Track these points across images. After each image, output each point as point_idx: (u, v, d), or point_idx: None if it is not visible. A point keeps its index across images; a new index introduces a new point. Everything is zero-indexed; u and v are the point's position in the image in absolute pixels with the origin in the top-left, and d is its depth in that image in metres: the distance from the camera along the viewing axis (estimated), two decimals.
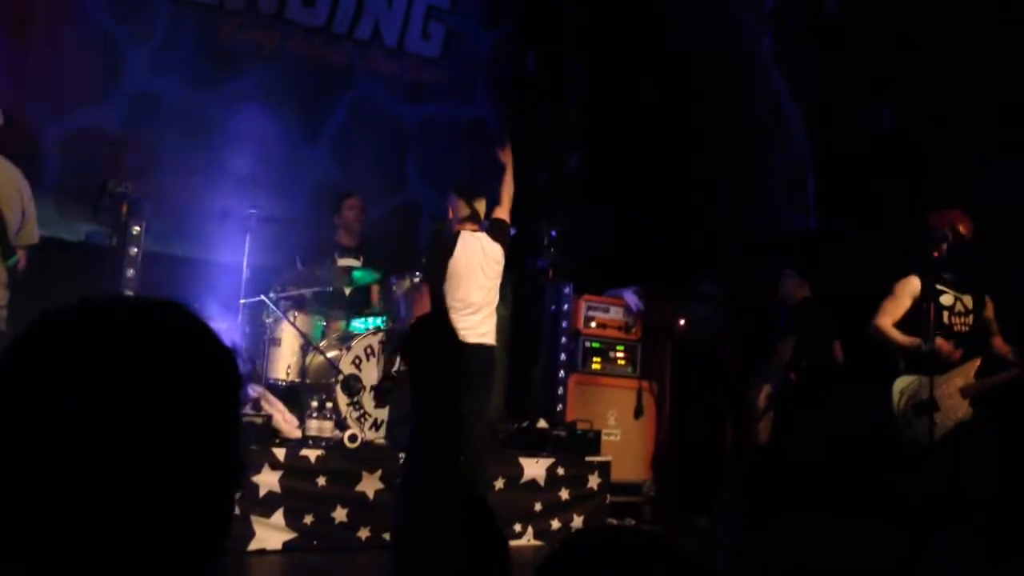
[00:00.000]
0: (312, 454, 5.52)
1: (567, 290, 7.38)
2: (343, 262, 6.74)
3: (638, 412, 7.42)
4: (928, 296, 4.68)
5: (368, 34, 8.14)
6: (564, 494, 6.30)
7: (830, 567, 4.83)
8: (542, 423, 6.82)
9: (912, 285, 4.81)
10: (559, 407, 7.21)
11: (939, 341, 4.61)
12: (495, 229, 5.38)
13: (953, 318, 4.78)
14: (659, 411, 7.53)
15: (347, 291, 6.69)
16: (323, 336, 6.59)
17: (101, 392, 0.89)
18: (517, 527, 6.04)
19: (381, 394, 5.77)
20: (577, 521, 6.30)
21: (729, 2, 7.97)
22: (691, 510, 7.04)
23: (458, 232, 5.31)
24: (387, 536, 5.39)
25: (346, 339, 6.40)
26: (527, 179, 7.40)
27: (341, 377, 6.09)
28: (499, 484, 5.93)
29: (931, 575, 4.38)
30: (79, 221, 6.66)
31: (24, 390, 0.90)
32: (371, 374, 6.16)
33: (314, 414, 5.85)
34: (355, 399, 6.16)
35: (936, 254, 4.75)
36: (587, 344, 7.41)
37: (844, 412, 5.87)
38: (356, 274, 6.60)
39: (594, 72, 8.50)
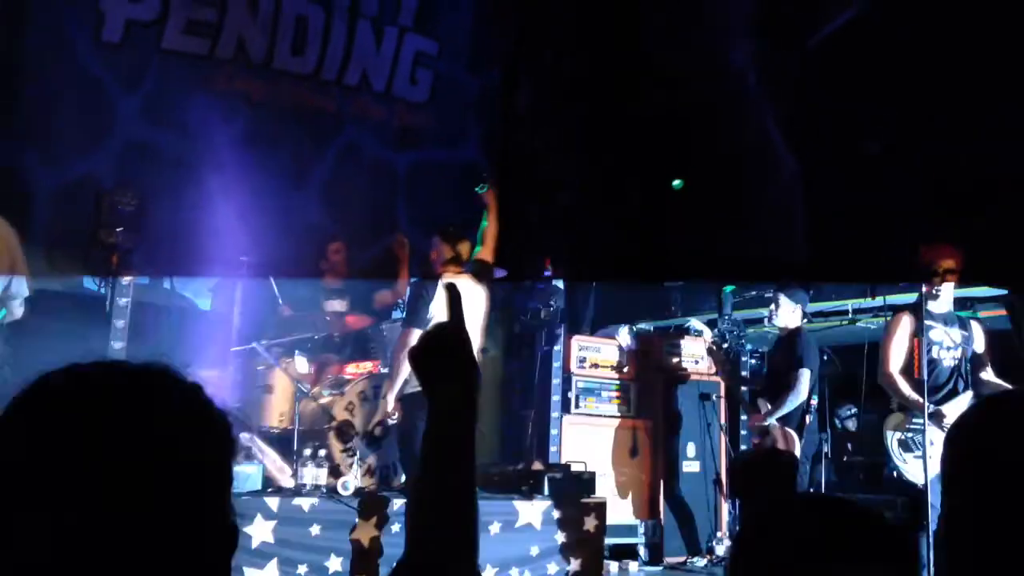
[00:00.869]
0: (306, 503, 5.46)
1: (559, 330, 7.37)
2: (330, 306, 6.75)
3: (633, 452, 7.38)
4: (919, 331, 4.70)
5: (356, 80, 8.21)
6: (560, 537, 6.24)
7: None
8: (537, 465, 6.77)
9: (905, 322, 4.83)
10: (553, 448, 7.17)
11: (944, 408, 4.63)
12: (478, 271, 5.37)
13: (943, 352, 4.80)
14: (654, 450, 7.49)
15: (337, 336, 6.69)
16: (315, 382, 6.57)
17: (94, 463, 0.89)
18: (513, 571, 5.98)
19: (372, 439, 5.75)
20: (574, 564, 6.23)
21: (716, 40, 8.05)
22: (690, 551, 6.99)
23: (439, 275, 5.30)
24: None
25: (339, 385, 6.38)
26: (517, 218, 7.46)
27: (334, 423, 6.05)
28: (494, 528, 5.88)
29: None
30: (69, 271, 6.66)
31: (17, 460, 0.90)
32: (365, 419, 6.13)
33: (307, 462, 5.80)
34: (349, 445, 6.12)
35: (926, 288, 4.77)
36: (580, 384, 7.39)
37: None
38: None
39: (582, 109, 8.56)
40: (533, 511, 6.18)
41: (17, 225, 5.56)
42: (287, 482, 5.74)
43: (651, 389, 7.57)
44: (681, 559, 7.18)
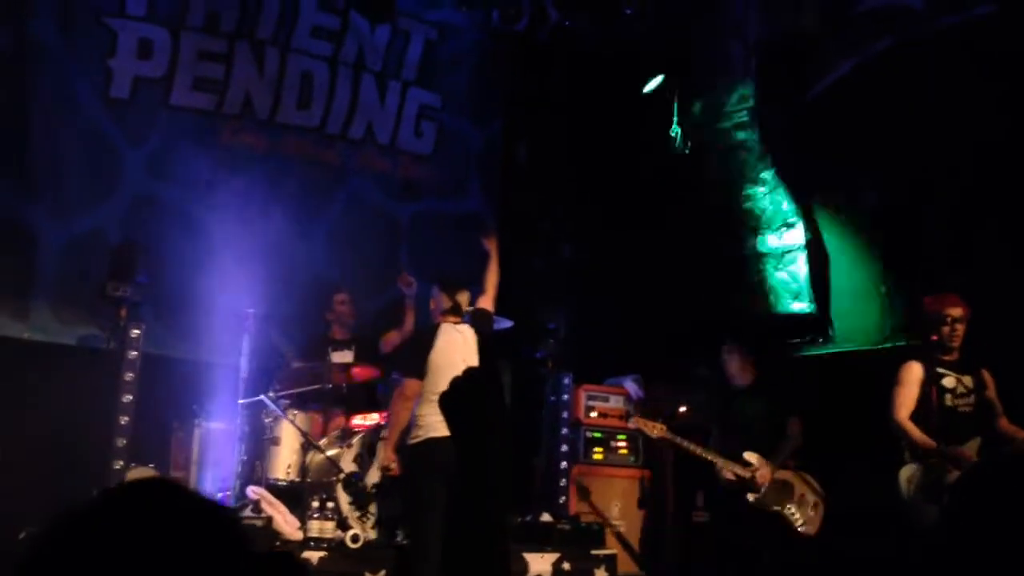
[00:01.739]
0: (314, 556, 5.42)
1: (566, 380, 7.37)
2: (337, 357, 6.75)
3: (642, 502, 7.33)
4: (930, 380, 4.71)
5: (361, 133, 8.29)
6: None
7: None
8: (546, 516, 6.73)
9: (915, 370, 4.85)
10: (562, 499, 7.12)
11: (960, 450, 4.63)
12: (478, 319, 5.38)
13: (956, 400, 4.81)
14: (663, 500, 7.44)
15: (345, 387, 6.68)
16: (323, 434, 6.55)
17: None
18: None
19: (377, 489, 5.74)
20: None
21: (715, 97, 8.17)
22: None
23: (438, 324, 5.31)
24: None
25: (346, 436, 6.35)
26: (522, 269, 7.50)
27: (342, 475, 6.01)
28: None
29: None
30: (76, 324, 6.67)
31: None
32: (374, 471, 6.09)
33: (315, 514, 5.76)
34: (357, 498, 6.08)
35: (935, 337, 4.80)
36: (588, 434, 7.36)
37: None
38: None
39: (584, 161, 8.65)
40: (543, 563, 6.13)
41: (24, 278, 5.60)
42: (295, 535, 5.69)
43: (672, 442, 7.52)
44: None
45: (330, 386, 6.53)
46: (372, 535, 6.02)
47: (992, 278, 5.68)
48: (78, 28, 7.08)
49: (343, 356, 6.77)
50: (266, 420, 6.25)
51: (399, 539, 5.83)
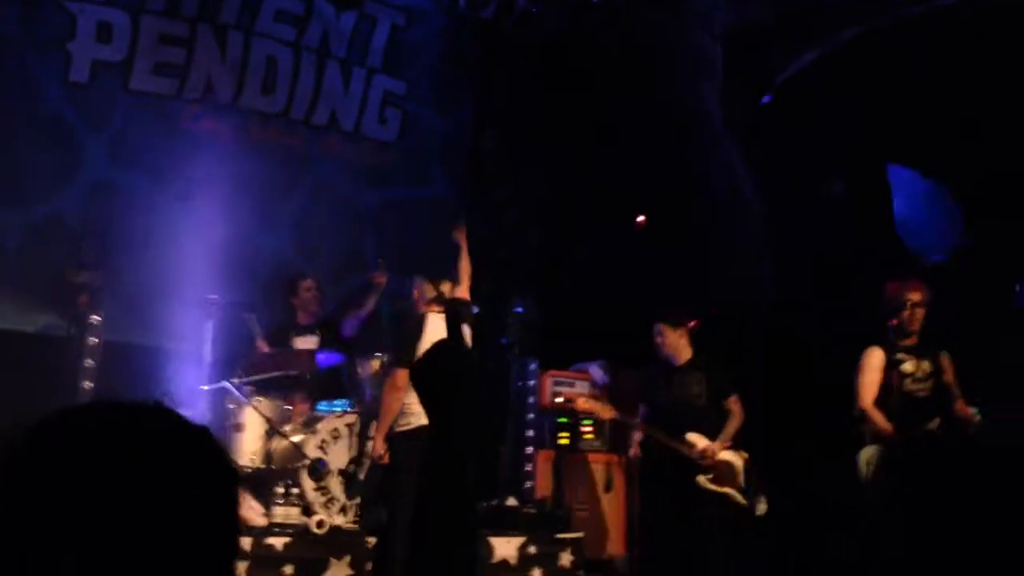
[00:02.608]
0: (279, 542, 5.41)
1: (532, 366, 7.39)
2: (301, 343, 6.72)
3: (608, 486, 7.38)
4: (890, 365, 4.78)
5: (325, 119, 8.23)
6: (536, 573, 6.21)
7: None
8: (511, 501, 6.76)
9: (876, 355, 4.91)
10: (528, 484, 7.16)
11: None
12: (459, 309, 5.41)
13: (914, 384, 4.88)
14: (629, 484, 7.48)
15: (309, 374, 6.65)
16: (288, 420, 6.51)
17: (104, 507, 0.89)
18: None
19: (349, 477, 5.72)
20: None
21: (683, 82, 8.20)
22: None
23: (424, 314, 5.34)
24: None
25: (311, 422, 6.33)
26: (488, 257, 7.49)
27: (307, 462, 5.99)
28: None
29: None
30: (35, 312, 6.57)
31: (25, 500, 0.90)
32: (338, 457, 6.07)
33: (280, 500, 5.74)
34: (321, 484, 6.06)
35: (894, 322, 4.86)
36: (554, 419, 7.39)
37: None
38: None
39: (552, 149, 8.65)
40: (508, 547, 6.16)
41: None
42: (259, 521, 5.67)
43: (625, 423, 7.57)
44: None
45: (294, 372, 6.50)
46: (338, 521, 6.01)
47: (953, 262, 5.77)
48: (37, 11, 6.95)
49: (307, 342, 6.74)
50: (230, 406, 6.21)
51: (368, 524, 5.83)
